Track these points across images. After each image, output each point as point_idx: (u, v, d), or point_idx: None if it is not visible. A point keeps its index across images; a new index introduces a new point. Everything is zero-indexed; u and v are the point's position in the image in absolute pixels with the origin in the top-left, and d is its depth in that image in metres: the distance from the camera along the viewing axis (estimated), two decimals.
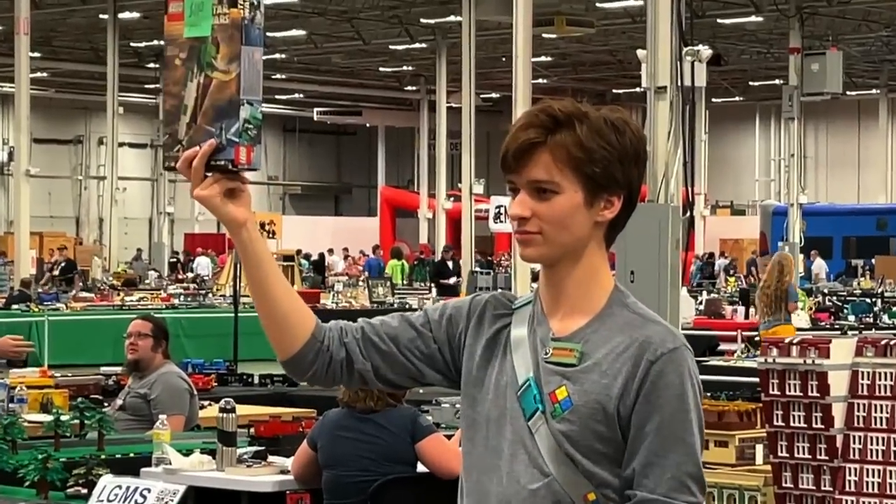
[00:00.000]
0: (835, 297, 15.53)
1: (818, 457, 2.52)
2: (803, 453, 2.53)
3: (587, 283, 1.15)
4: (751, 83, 31.79)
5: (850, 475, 2.49)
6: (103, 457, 4.00)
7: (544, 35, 19.12)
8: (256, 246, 1.12)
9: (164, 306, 15.47)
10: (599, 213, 1.13)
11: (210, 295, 17.61)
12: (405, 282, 23.30)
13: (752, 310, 11.58)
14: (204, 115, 1.07)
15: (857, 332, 8.59)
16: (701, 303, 13.02)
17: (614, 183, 1.12)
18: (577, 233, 1.12)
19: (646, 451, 1.04)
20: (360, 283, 18.21)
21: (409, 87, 31.70)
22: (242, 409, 4.76)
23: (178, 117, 1.09)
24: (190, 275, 23.39)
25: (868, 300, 14.86)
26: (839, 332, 8.99)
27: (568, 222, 1.12)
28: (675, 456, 1.04)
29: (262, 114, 1.08)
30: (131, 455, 4.33)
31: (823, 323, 11.41)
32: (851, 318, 12.20)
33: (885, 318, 12.47)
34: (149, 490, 3.27)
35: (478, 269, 17.22)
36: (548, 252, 1.13)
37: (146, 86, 28.57)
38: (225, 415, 3.80)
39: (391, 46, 24.33)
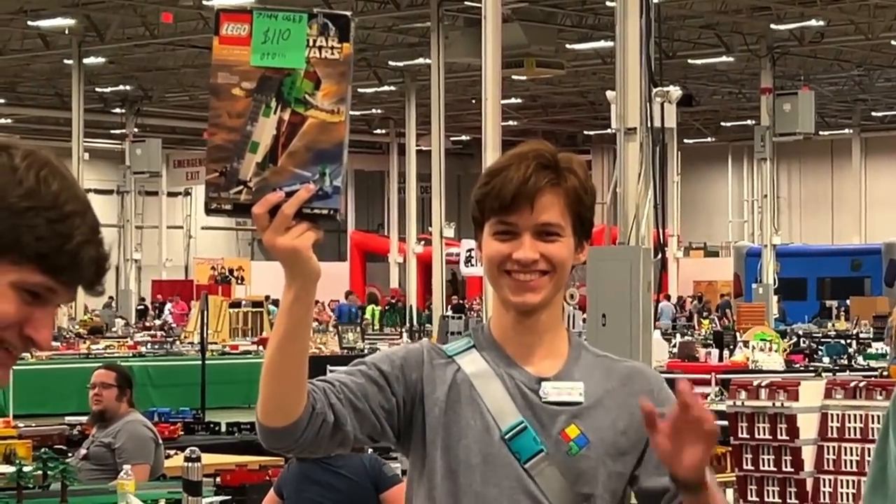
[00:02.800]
0: (809, 339, 15.66)
1: (788, 500, 2.51)
2: (773, 497, 2.52)
3: (557, 326, 1.19)
4: (723, 124, 32.01)
5: None
6: None
7: (514, 77, 19.29)
8: (311, 304, 1.03)
9: (130, 354, 15.31)
10: (577, 257, 1.16)
11: (178, 342, 17.31)
12: (376, 327, 23.19)
13: (725, 352, 11.65)
14: (292, 156, 0.93)
15: (831, 374, 8.62)
16: (674, 345, 13.07)
17: (591, 227, 1.17)
18: (567, 277, 1.15)
19: None
20: (330, 329, 18.02)
21: (379, 131, 31.84)
22: (209, 458, 4.72)
23: (240, 154, 0.92)
24: (158, 322, 23.01)
25: (843, 342, 14.99)
26: (813, 374, 9.02)
27: (567, 266, 1.14)
28: None
29: None
30: None
31: (798, 365, 11.50)
32: (826, 359, 12.30)
33: (860, 359, 12.59)
34: None
35: (449, 313, 17.14)
36: (549, 296, 1.12)
37: (112, 131, 28.28)
38: (190, 464, 3.75)
39: (360, 90, 24.42)
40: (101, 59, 23.14)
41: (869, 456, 2.41)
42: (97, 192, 28.77)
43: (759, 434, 2.60)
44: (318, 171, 0.93)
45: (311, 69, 0.93)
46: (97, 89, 25.21)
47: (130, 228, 26.29)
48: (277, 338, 1.02)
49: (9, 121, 27.81)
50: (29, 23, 20.46)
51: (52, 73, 25.13)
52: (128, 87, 26.02)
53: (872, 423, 2.48)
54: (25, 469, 4.16)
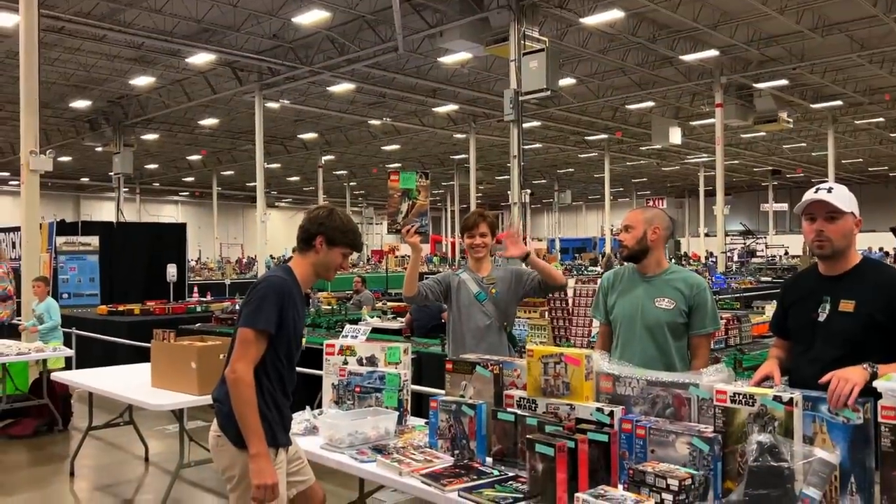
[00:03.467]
0: None
1: None
2: None
3: (487, 258, 4.34)
4: None
5: None
6: None
7: None
8: (419, 259, 4.27)
9: None
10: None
11: None
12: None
13: None
14: (413, 214, 4.33)
15: None
16: None
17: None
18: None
19: None
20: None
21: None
22: None
23: (398, 215, 4.32)
24: None
25: None
26: None
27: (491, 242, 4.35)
28: None
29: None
30: None
31: None
32: None
33: None
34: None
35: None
36: (488, 253, 4.34)
37: None
38: None
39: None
40: None
41: None
42: None
43: None
44: (421, 220, 4.34)
45: (418, 187, 4.37)
46: None
47: None
48: (410, 269, 4.21)
49: None
50: None
51: None
52: None
53: None
54: None
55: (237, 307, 10.23)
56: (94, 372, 6.00)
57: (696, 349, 3.40)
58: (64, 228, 14.74)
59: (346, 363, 3.97)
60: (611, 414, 2.81)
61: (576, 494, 2.42)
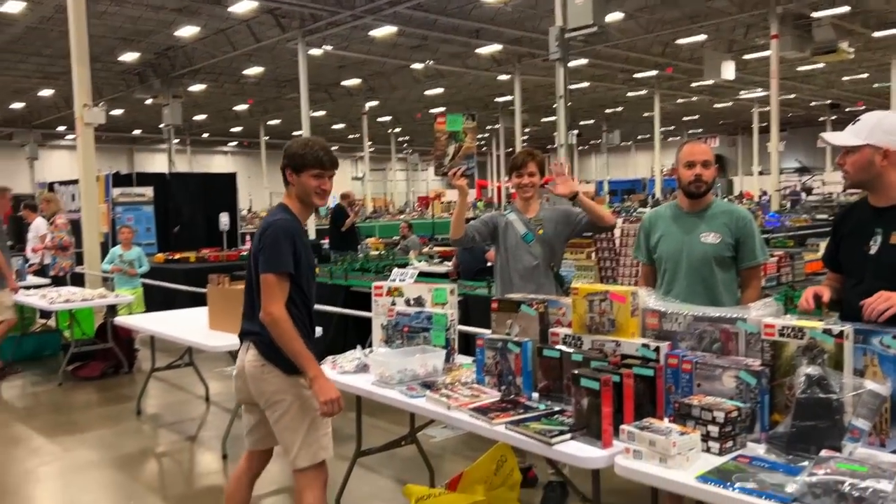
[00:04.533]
0: None
1: None
2: None
3: (536, 198, 4.39)
4: None
5: None
6: None
7: None
8: (466, 200, 4.22)
9: None
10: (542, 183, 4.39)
11: None
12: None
13: None
14: (459, 157, 4.25)
15: None
16: None
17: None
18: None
19: None
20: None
21: None
22: None
23: (444, 158, 4.24)
24: None
25: None
26: None
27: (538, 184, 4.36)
28: None
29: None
30: None
31: None
32: None
33: None
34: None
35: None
36: (535, 191, 4.33)
37: None
38: None
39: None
40: None
41: None
42: None
43: None
44: (467, 162, 4.24)
45: (465, 129, 4.27)
46: None
47: None
48: (457, 212, 4.24)
49: None
50: None
51: None
52: None
53: None
54: None
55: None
56: (154, 316, 6.24)
57: (747, 282, 3.37)
58: (119, 180, 15.10)
59: (393, 304, 4.05)
60: (657, 350, 2.82)
61: (621, 426, 2.46)
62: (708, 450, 2.42)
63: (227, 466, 4.84)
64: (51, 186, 15.70)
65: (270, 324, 3.01)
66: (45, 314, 8.74)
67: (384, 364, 3.46)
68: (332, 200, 15.67)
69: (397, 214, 31.98)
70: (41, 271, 9.76)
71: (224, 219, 12.95)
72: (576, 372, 2.62)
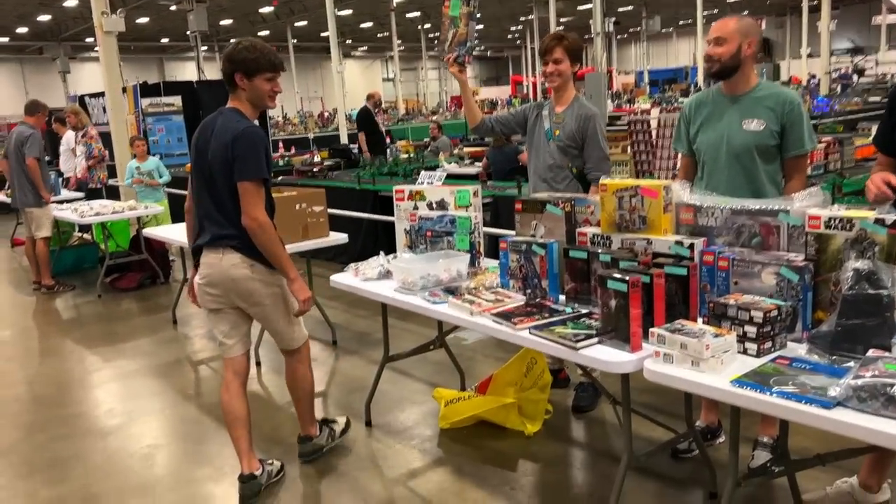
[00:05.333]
0: None
1: None
2: None
3: (570, 91, 4.01)
4: None
5: None
6: None
7: None
8: (467, 85, 4.04)
9: None
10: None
11: None
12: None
13: None
14: (454, 43, 3.93)
15: None
16: None
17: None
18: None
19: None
20: None
21: None
22: None
23: (445, 43, 3.94)
24: None
25: None
26: None
27: (568, 73, 3.89)
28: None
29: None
30: None
31: None
32: None
33: None
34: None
35: None
36: (564, 82, 3.90)
37: None
38: None
39: None
40: None
41: None
42: None
43: None
44: (460, 49, 3.92)
45: (461, 15, 3.93)
46: None
47: None
48: (463, 100, 4.19)
49: None
50: None
51: None
52: None
53: None
54: None
55: (314, 159, 10.34)
56: (181, 227, 6.22)
57: (791, 172, 3.10)
58: (147, 90, 14.95)
59: (416, 208, 3.90)
60: (691, 246, 2.64)
61: (651, 329, 2.32)
62: (745, 351, 2.27)
63: (260, 373, 4.88)
64: (81, 99, 15.64)
65: (257, 229, 3.06)
66: (84, 227, 8.82)
67: (406, 270, 3.35)
68: (359, 103, 15.36)
69: (430, 116, 31.43)
70: (80, 187, 9.80)
71: None
72: (602, 273, 2.47)
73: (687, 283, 2.51)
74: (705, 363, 2.17)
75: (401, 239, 3.98)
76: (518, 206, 3.21)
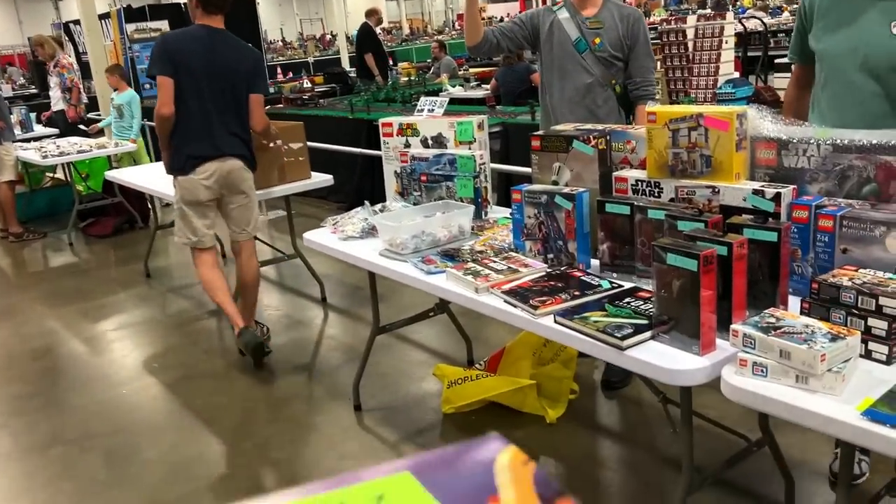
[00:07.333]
0: None
1: None
2: None
3: None
4: None
5: None
6: None
7: None
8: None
9: None
10: None
11: None
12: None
13: None
14: None
15: None
16: None
17: None
18: None
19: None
20: None
21: None
22: None
23: None
24: None
25: None
26: None
27: None
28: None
29: None
30: None
31: None
32: None
33: None
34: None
35: None
36: None
37: None
38: None
39: None
40: None
41: None
42: None
43: None
44: None
45: None
46: None
47: None
48: (469, 9, 3.21)
49: None
50: None
51: None
52: None
53: None
54: None
55: (304, 85, 9.48)
56: (150, 168, 5.51)
57: None
58: (132, 15, 13.98)
59: (407, 145, 3.16)
60: (776, 197, 1.91)
61: (732, 327, 1.62)
62: (868, 355, 1.58)
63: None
64: (66, 27, 14.72)
65: (268, 131, 3.81)
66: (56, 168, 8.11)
67: (393, 229, 2.64)
68: (357, 21, 14.33)
69: (435, 35, 29.98)
70: (51, 120, 9.04)
71: None
72: (659, 245, 1.75)
73: (776, 253, 1.79)
74: (818, 380, 1.48)
75: (390, 184, 3.27)
76: (535, 142, 2.47)
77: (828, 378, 1.48)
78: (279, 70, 16.31)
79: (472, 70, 10.32)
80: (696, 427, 2.03)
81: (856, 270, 1.71)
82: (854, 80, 2.25)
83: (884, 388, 1.47)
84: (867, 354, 1.59)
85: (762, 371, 1.55)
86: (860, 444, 1.42)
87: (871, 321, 1.58)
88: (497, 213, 2.97)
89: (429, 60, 11.88)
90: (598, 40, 3.17)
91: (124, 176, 5.23)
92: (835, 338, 1.52)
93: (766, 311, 1.66)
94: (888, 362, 1.56)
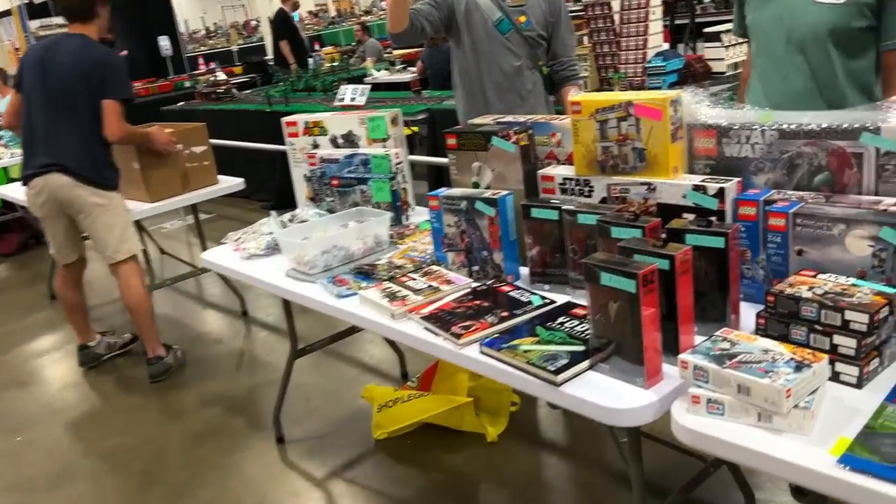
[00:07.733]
0: None
1: None
2: None
3: None
4: None
5: None
6: None
7: None
8: None
9: None
10: None
11: None
12: None
13: None
14: None
15: None
16: None
17: None
18: None
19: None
20: None
21: None
22: None
23: None
24: None
25: None
26: None
27: None
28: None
29: None
30: None
31: None
32: None
33: None
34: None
35: None
36: None
37: None
38: None
39: None
40: None
41: None
42: None
43: None
44: None
45: None
46: None
47: None
48: None
49: None
50: None
51: None
52: None
53: None
54: None
55: (220, 77, 9.00)
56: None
57: (891, 71, 2.08)
58: (35, 11, 13.14)
59: (315, 146, 2.85)
60: (719, 193, 1.69)
61: (681, 358, 1.38)
62: (836, 377, 1.37)
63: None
64: None
65: (129, 138, 3.50)
66: None
67: (298, 245, 2.33)
68: (272, 6, 13.74)
69: (362, 17, 29.25)
70: None
71: (164, 43, 11.17)
72: (591, 263, 1.49)
73: (724, 260, 1.57)
74: (784, 419, 1.25)
75: (300, 190, 2.96)
76: (451, 140, 2.19)
77: (795, 416, 1.25)
78: (201, 60, 15.61)
79: (396, 52, 9.97)
80: (648, 446, 1.81)
81: (814, 276, 1.50)
82: (780, 54, 2.09)
83: (858, 419, 1.25)
84: (835, 377, 1.37)
85: (718, 409, 1.32)
86: (838, 497, 1.20)
87: (837, 338, 1.37)
88: (420, 215, 2.69)
89: (353, 44, 11.45)
90: (523, 18, 2.93)
91: (7, 190, 4.76)
92: (799, 366, 1.29)
93: (717, 333, 1.43)
94: (859, 385, 1.35)
